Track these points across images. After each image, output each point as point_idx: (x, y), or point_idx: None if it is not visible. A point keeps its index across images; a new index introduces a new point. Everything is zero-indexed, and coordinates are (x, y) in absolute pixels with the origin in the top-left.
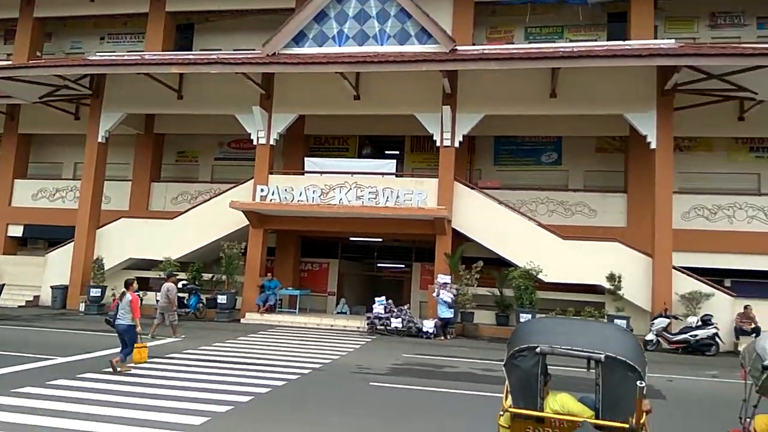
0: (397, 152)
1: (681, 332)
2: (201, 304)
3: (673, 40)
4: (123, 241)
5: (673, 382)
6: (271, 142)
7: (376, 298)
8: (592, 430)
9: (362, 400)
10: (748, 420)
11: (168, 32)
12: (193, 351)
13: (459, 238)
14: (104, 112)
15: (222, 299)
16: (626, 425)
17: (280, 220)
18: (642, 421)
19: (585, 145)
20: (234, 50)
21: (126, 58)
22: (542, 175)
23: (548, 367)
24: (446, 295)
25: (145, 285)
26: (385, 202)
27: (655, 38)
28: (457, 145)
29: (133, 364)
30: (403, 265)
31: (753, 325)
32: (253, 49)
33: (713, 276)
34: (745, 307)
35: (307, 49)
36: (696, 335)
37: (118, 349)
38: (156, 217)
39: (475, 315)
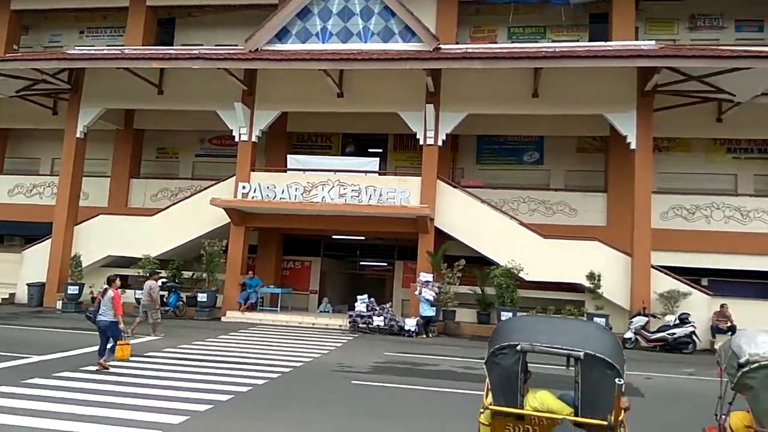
0: (381, 150)
1: (659, 330)
2: (181, 302)
3: (653, 42)
4: (101, 238)
5: (651, 380)
6: (254, 139)
7: (359, 297)
8: (572, 427)
9: (344, 399)
10: (723, 417)
11: (149, 27)
12: (172, 349)
13: (441, 236)
14: (83, 107)
15: (202, 297)
16: (605, 422)
17: (261, 218)
18: (620, 418)
19: (566, 145)
20: (216, 46)
21: (106, 52)
22: (524, 175)
23: (528, 364)
24: (428, 293)
25: (123, 283)
26: (368, 201)
27: (636, 39)
28: (440, 143)
29: (114, 362)
30: (385, 264)
31: (729, 324)
32: (236, 45)
33: (691, 275)
34: (722, 306)
35: (290, 46)
36: (673, 333)
37: (96, 348)
38: (135, 213)
39: (457, 313)
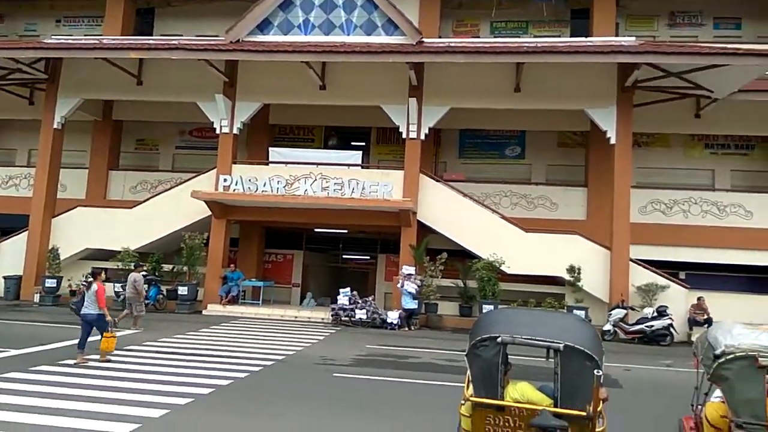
0: (363, 143)
1: (637, 323)
2: (161, 296)
3: (633, 38)
4: (79, 231)
5: (630, 371)
6: (235, 131)
7: (341, 290)
8: (551, 418)
9: (325, 391)
10: (699, 407)
11: (128, 16)
12: (152, 343)
13: (424, 229)
14: (60, 98)
15: (183, 291)
16: (584, 413)
17: (243, 211)
18: (599, 408)
19: (547, 140)
20: (197, 36)
21: (83, 41)
22: (506, 169)
23: (509, 356)
24: (410, 286)
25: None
26: (351, 194)
27: (617, 35)
28: (423, 137)
29: (102, 353)
30: (368, 257)
31: (705, 316)
32: (217, 36)
33: (668, 268)
34: (699, 299)
35: (272, 37)
36: (651, 326)
37: (75, 342)
38: (114, 206)
39: (439, 306)
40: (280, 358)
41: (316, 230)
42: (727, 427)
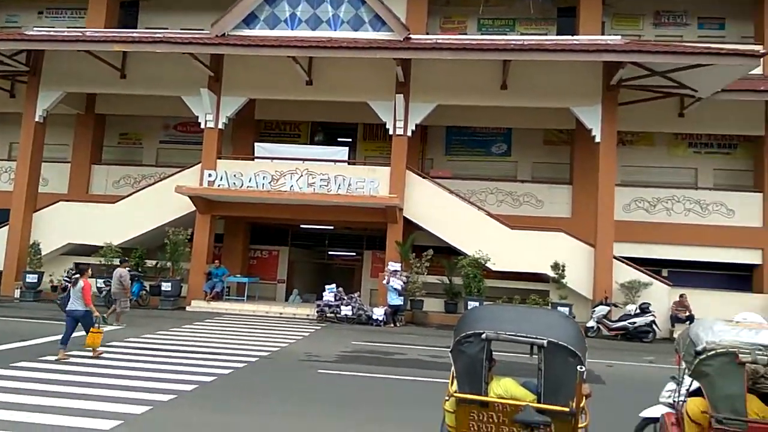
0: (350, 140)
1: (620, 320)
2: (144, 292)
3: (619, 37)
4: (61, 226)
5: (613, 368)
6: (220, 126)
7: (327, 286)
8: (534, 413)
9: (310, 388)
10: (681, 403)
11: (111, 9)
12: (135, 339)
13: (410, 226)
14: (42, 91)
15: (166, 287)
16: (567, 409)
17: (228, 207)
18: (582, 404)
19: (533, 137)
20: (181, 30)
21: (65, 34)
22: (492, 166)
23: (493, 352)
24: (396, 283)
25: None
26: (337, 190)
27: (603, 34)
28: (409, 133)
29: (94, 349)
30: (354, 253)
31: (687, 313)
32: (202, 30)
33: (651, 266)
34: (681, 296)
35: (258, 32)
36: (634, 322)
37: (57, 337)
38: (97, 201)
39: (425, 303)
40: (264, 354)
41: (302, 226)
42: (708, 423)
